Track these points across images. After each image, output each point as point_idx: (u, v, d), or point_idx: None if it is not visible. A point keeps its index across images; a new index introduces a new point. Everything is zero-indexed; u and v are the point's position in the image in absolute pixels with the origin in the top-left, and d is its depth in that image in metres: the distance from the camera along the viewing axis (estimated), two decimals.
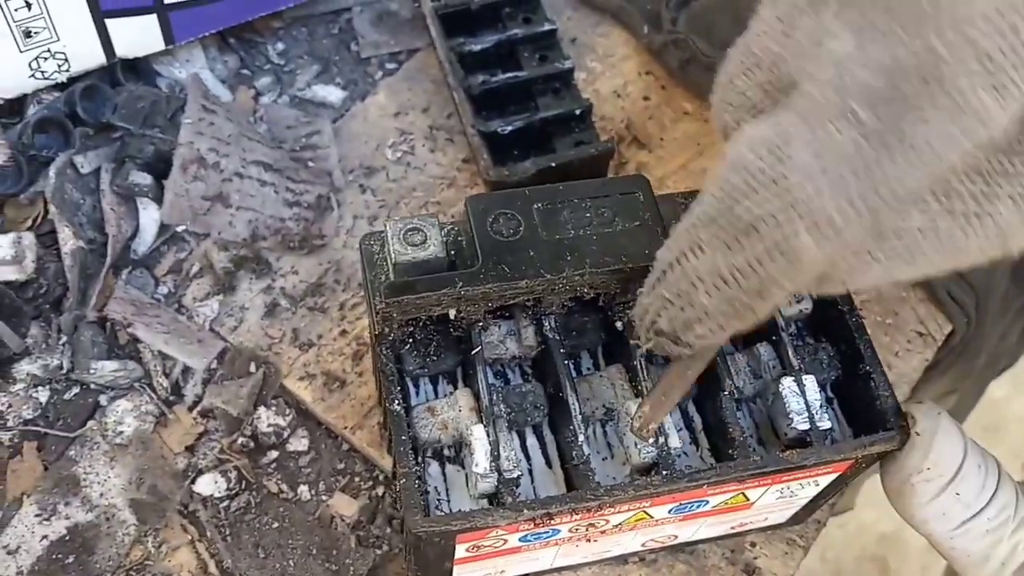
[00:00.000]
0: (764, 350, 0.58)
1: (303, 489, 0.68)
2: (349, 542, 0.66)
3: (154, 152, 0.75)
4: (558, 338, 0.55)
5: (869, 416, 0.57)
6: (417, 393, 0.58)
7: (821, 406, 0.55)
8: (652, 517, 0.56)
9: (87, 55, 0.76)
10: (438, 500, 0.55)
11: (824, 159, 0.39)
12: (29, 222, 0.73)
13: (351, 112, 0.83)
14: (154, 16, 0.76)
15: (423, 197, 0.79)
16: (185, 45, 0.81)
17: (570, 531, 0.55)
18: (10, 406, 0.68)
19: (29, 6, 0.70)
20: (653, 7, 0.87)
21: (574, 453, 0.53)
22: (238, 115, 0.78)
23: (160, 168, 0.75)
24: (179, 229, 0.75)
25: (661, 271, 0.45)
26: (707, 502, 0.56)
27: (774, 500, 0.60)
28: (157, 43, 0.78)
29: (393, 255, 0.51)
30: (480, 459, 0.51)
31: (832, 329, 0.59)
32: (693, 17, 0.84)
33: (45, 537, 0.65)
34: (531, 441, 0.57)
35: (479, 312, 0.53)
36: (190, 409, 0.70)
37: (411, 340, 0.56)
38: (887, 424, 0.55)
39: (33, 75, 0.74)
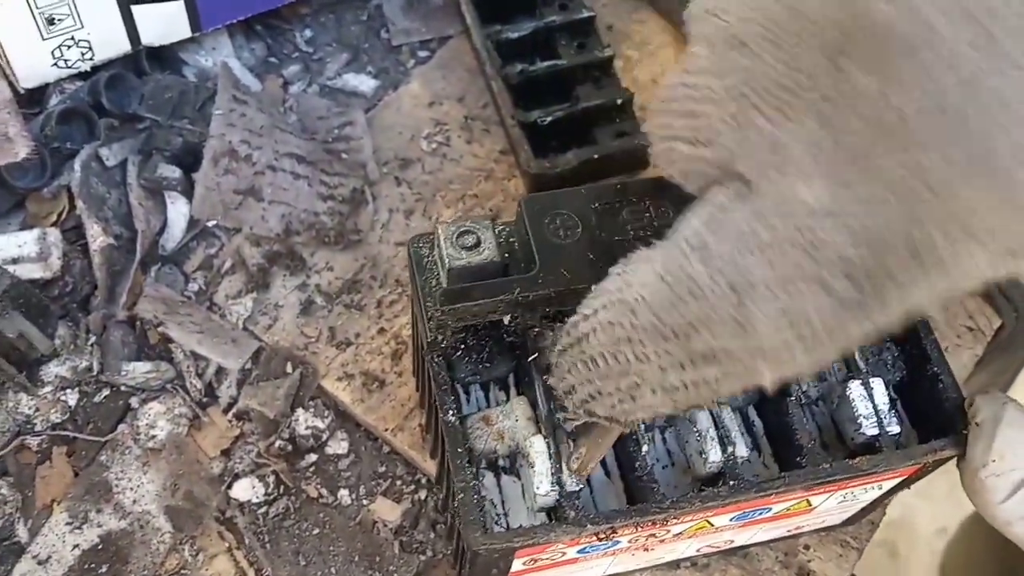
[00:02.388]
0: None
1: (343, 493, 0.65)
2: (392, 548, 0.64)
3: (182, 144, 0.72)
4: None
5: (936, 418, 0.54)
6: (468, 401, 0.55)
7: (889, 410, 0.53)
8: (713, 525, 0.54)
9: (112, 43, 0.73)
10: (495, 514, 0.52)
11: (792, 317, 0.37)
12: (53, 217, 0.71)
13: (384, 102, 0.80)
14: (181, 3, 0.73)
15: (460, 190, 0.76)
16: (211, 33, 0.78)
17: (630, 541, 0.52)
18: (38, 410, 0.65)
19: None
20: None
21: (637, 464, 0.50)
22: (269, 105, 0.75)
23: (189, 161, 0.72)
24: (209, 224, 0.72)
25: (591, 359, 0.42)
26: (770, 509, 0.54)
27: (836, 504, 0.57)
28: (183, 30, 0.76)
29: (447, 259, 0.49)
30: (541, 472, 0.49)
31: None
32: None
33: (76, 546, 0.63)
34: None
35: (536, 318, 0.51)
36: (225, 411, 0.67)
37: (463, 346, 0.53)
38: (955, 427, 0.53)
39: (56, 64, 0.72)
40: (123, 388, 0.67)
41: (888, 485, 0.56)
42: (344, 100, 0.80)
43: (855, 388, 0.52)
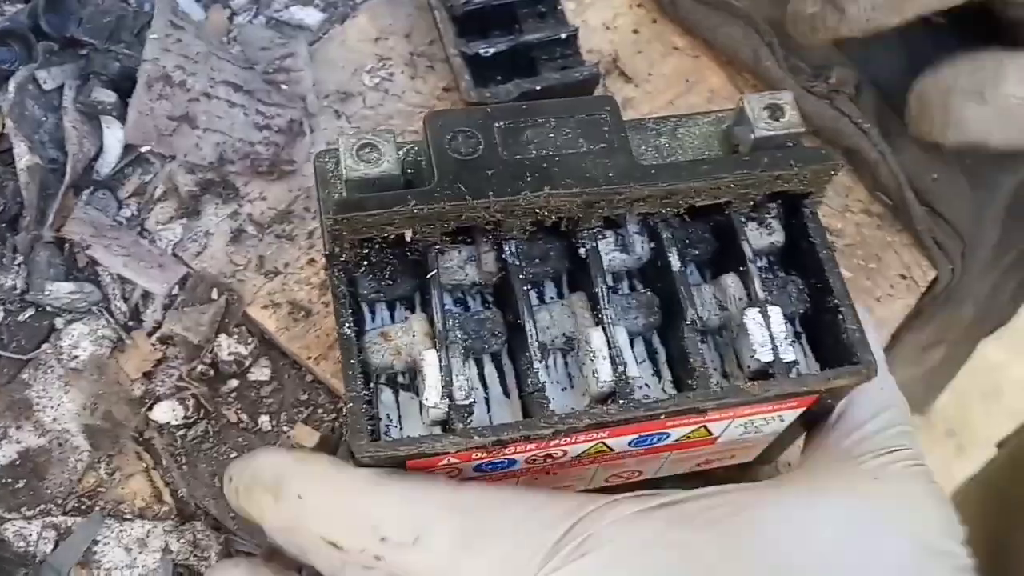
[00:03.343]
0: (731, 281, 0.55)
1: (264, 419, 0.65)
2: None
3: (120, 69, 0.72)
4: (519, 264, 0.53)
5: (836, 351, 0.54)
6: (373, 319, 0.55)
7: (786, 338, 0.53)
8: (612, 450, 0.54)
9: None
10: (388, 426, 0.53)
11: None
12: None
13: (329, 35, 0.80)
14: None
15: (401, 125, 0.76)
16: None
17: (527, 463, 0.53)
18: None
19: None
20: None
21: (529, 381, 0.50)
22: (209, 35, 0.75)
23: (126, 86, 0.72)
24: (144, 150, 0.72)
25: None
26: (668, 435, 0.54)
27: (739, 436, 0.57)
28: None
29: (345, 171, 0.49)
30: (431, 384, 0.49)
31: (803, 263, 0.57)
32: None
33: None
34: (489, 370, 0.55)
35: (435, 234, 0.50)
36: (149, 335, 0.67)
37: (366, 263, 0.53)
38: (853, 358, 0.53)
39: None
40: (48, 308, 0.67)
41: (789, 417, 0.56)
42: (289, 32, 0.79)
43: (752, 315, 0.52)
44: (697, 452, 0.59)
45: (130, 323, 0.67)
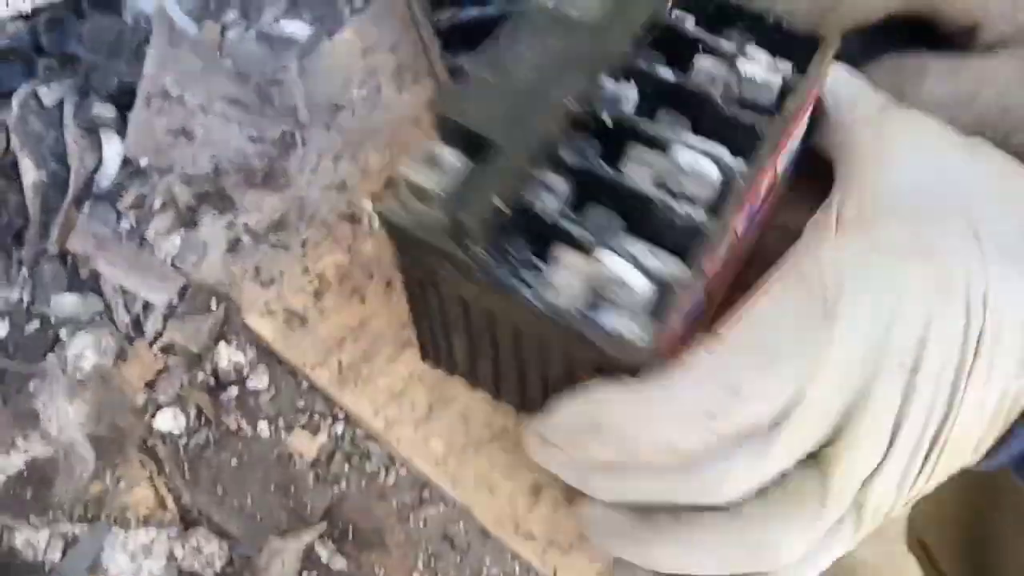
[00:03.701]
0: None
1: (263, 426, 0.68)
2: (307, 479, 0.66)
3: (118, 84, 0.74)
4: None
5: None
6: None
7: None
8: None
9: None
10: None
11: None
12: None
13: (318, 50, 0.82)
14: None
15: (389, 137, 0.78)
16: None
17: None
18: None
19: None
20: None
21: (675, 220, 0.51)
22: (204, 50, 0.77)
23: (125, 101, 0.74)
24: (142, 163, 0.74)
25: None
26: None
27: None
28: None
29: (435, 188, 0.49)
30: (632, 276, 0.49)
31: None
32: None
33: (2, 471, 0.65)
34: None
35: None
36: (151, 345, 0.70)
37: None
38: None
39: None
40: (53, 320, 0.69)
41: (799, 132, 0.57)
42: (280, 46, 0.82)
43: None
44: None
45: (132, 333, 0.70)
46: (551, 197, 0.53)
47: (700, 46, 0.52)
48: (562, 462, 0.46)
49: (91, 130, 0.74)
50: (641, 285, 0.46)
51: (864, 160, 0.47)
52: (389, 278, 0.67)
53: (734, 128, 0.52)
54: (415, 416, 0.63)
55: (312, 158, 0.74)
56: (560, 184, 0.52)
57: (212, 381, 0.68)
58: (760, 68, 0.52)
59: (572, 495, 0.50)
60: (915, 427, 0.40)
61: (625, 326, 0.49)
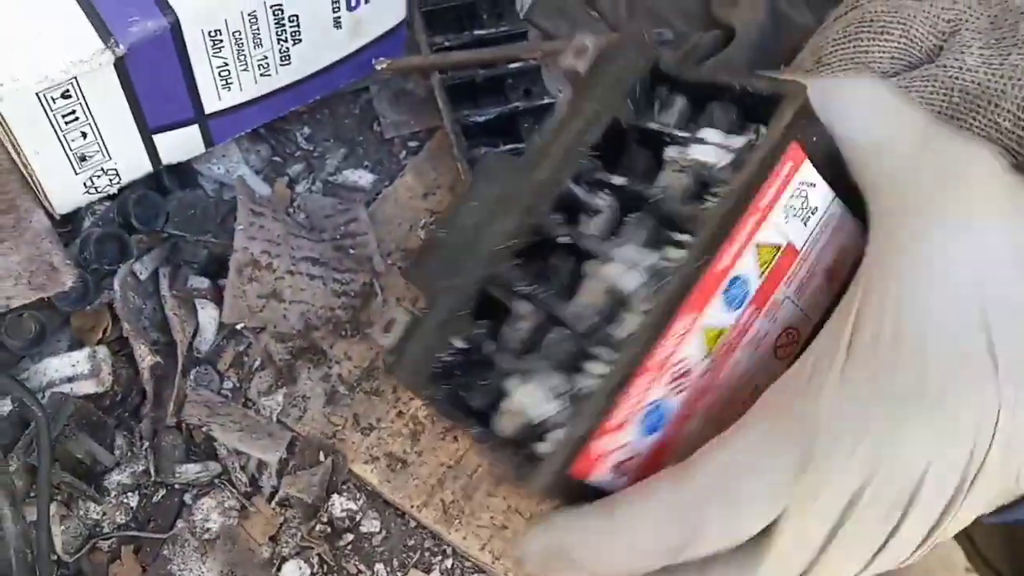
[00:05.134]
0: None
1: (379, 568, 0.74)
2: None
3: (207, 255, 0.80)
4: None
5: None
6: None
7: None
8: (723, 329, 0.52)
9: (136, 167, 0.81)
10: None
11: None
12: (98, 333, 0.79)
13: (382, 195, 0.88)
14: (196, 126, 0.81)
15: None
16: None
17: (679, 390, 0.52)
18: (105, 514, 0.74)
19: (85, 136, 0.75)
20: None
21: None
22: (281, 212, 0.83)
23: (214, 269, 0.80)
24: (238, 326, 0.80)
25: None
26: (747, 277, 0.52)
27: (807, 232, 0.54)
28: (198, 148, 0.83)
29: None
30: (530, 402, 0.53)
31: None
32: None
33: None
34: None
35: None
36: (268, 500, 0.76)
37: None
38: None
39: (87, 191, 0.80)
40: (177, 487, 0.75)
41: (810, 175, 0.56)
42: (346, 195, 0.88)
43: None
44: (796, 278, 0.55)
45: (250, 491, 0.76)
46: (520, 324, 0.55)
47: (665, 137, 0.54)
48: None
49: (186, 299, 0.80)
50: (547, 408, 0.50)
51: (892, 259, 0.43)
52: None
53: (680, 219, 0.52)
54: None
55: (391, 303, 0.81)
56: (525, 308, 0.54)
57: (329, 529, 0.74)
58: (710, 151, 0.53)
59: None
60: (901, 549, 0.43)
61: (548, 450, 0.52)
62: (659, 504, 0.45)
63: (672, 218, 0.51)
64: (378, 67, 0.86)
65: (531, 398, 0.50)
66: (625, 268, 0.51)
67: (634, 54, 0.54)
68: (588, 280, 0.53)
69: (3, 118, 0.71)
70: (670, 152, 0.54)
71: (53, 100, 0.71)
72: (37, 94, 0.70)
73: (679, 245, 0.51)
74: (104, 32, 0.72)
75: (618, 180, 0.54)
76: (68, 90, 0.72)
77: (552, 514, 0.48)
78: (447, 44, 0.90)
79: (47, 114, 0.72)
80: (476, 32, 0.91)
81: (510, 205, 0.54)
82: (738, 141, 0.51)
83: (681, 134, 0.53)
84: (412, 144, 0.91)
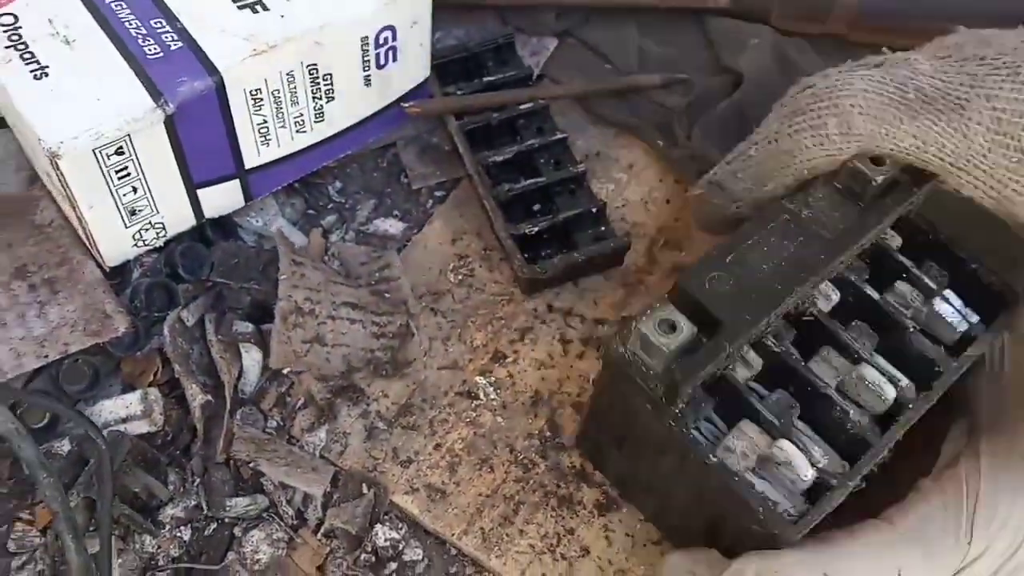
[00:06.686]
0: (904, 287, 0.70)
1: None
2: None
3: (251, 301, 0.85)
4: (787, 350, 0.66)
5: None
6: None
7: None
8: None
9: (181, 221, 0.86)
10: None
11: None
12: (149, 376, 0.83)
13: (412, 242, 0.93)
14: (236, 181, 0.86)
15: (488, 314, 0.89)
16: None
17: None
18: (159, 547, 0.77)
19: (135, 190, 0.80)
20: (663, 119, 0.98)
21: (848, 424, 0.63)
22: (319, 260, 0.88)
23: (258, 315, 0.85)
24: (284, 371, 0.84)
25: None
26: None
27: None
28: (239, 202, 0.88)
29: (663, 347, 0.60)
30: (800, 464, 0.61)
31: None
32: (706, 130, 0.94)
33: None
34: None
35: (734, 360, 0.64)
36: (315, 532, 0.79)
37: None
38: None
39: (136, 244, 0.84)
40: (227, 520, 0.79)
41: None
42: (378, 243, 0.92)
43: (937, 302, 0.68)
44: None
45: (297, 523, 0.79)
46: (744, 369, 0.65)
47: (904, 274, 0.67)
48: None
49: (231, 344, 0.84)
50: (807, 472, 0.59)
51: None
52: (510, 445, 0.78)
53: (917, 358, 0.66)
54: (557, 571, 0.74)
55: (425, 343, 0.85)
56: (756, 360, 0.66)
57: (373, 559, 0.78)
58: (952, 311, 0.66)
59: None
60: None
61: (781, 500, 0.62)
62: (867, 545, 0.57)
63: (907, 349, 0.66)
64: (408, 110, 0.91)
65: (790, 448, 0.60)
66: (879, 375, 0.64)
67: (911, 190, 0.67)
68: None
69: (62, 174, 0.75)
70: (901, 287, 0.66)
71: (107, 156, 0.76)
72: (93, 151, 0.75)
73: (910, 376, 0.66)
74: (155, 92, 0.77)
75: (873, 294, 0.68)
76: (121, 147, 0.76)
77: (765, 551, 0.59)
78: (459, 92, 0.95)
79: (102, 170, 0.77)
80: (485, 79, 0.98)
81: (807, 270, 0.63)
82: (974, 317, 0.67)
83: (929, 283, 0.66)
84: (438, 193, 0.96)
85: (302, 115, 0.87)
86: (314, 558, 0.78)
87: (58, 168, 0.75)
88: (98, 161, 0.76)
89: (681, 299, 0.63)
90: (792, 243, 0.66)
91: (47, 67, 0.77)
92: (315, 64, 0.84)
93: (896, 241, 0.71)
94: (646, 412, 0.64)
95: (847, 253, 0.65)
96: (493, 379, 0.85)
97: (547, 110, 0.97)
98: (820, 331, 0.67)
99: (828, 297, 0.68)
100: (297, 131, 0.88)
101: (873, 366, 0.65)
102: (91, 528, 0.75)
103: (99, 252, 0.83)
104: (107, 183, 0.78)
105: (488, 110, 0.95)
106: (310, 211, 0.95)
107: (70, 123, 0.75)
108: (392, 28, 0.87)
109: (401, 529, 0.79)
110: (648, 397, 0.63)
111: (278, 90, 0.83)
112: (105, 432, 0.78)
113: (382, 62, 0.89)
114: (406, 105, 0.92)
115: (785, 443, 0.62)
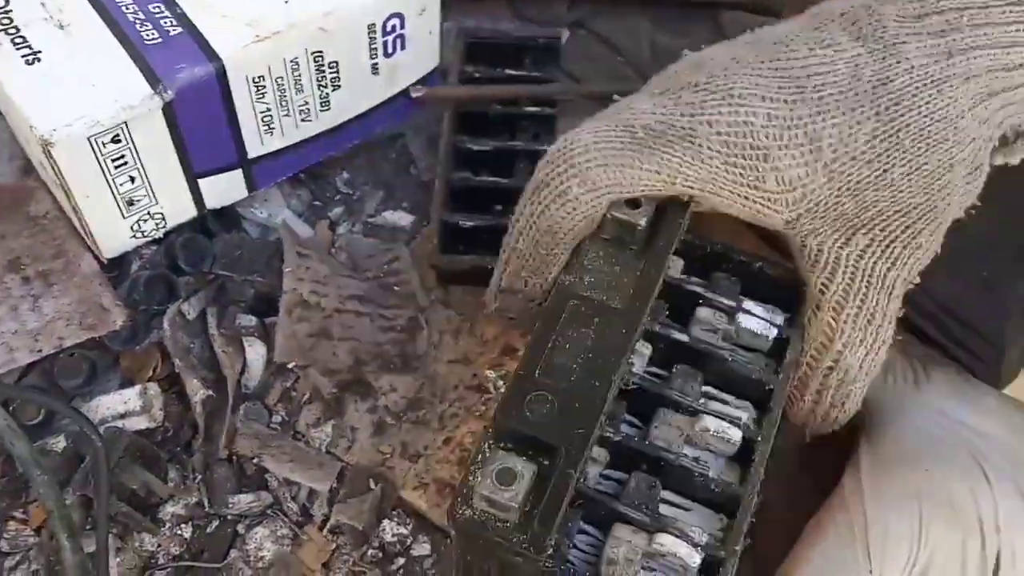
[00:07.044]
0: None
1: None
2: None
3: (254, 294, 0.82)
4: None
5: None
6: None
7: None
8: None
9: (181, 212, 0.83)
10: None
11: None
12: (148, 371, 0.81)
13: (421, 234, 0.90)
14: (239, 171, 0.84)
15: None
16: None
17: None
18: (160, 546, 0.75)
19: (133, 180, 0.77)
20: None
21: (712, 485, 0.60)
22: (326, 253, 0.85)
23: (261, 308, 0.82)
24: (289, 365, 0.82)
25: None
26: None
27: None
28: (241, 192, 0.86)
29: (510, 501, 0.56)
30: (686, 553, 0.58)
31: None
32: None
33: None
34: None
35: None
36: (320, 528, 0.77)
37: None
38: None
39: (134, 235, 0.82)
40: (229, 517, 0.76)
41: None
42: (387, 235, 0.90)
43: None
44: None
45: (302, 519, 0.77)
46: (593, 467, 0.62)
47: (699, 299, 0.65)
48: None
49: (234, 337, 0.82)
50: (693, 559, 0.56)
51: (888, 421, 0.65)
52: None
53: (744, 382, 0.65)
54: None
55: (435, 336, 0.83)
56: (601, 453, 0.63)
57: (380, 555, 0.75)
58: (757, 321, 0.64)
59: None
60: None
61: None
62: None
63: (731, 374, 0.63)
64: (415, 95, 0.89)
65: (669, 542, 0.57)
66: (720, 422, 0.62)
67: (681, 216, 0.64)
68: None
69: (56, 163, 0.73)
70: (701, 312, 0.64)
71: (103, 144, 0.74)
72: (88, 139, 0.73)
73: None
74: (153, 78, 0.75)
75: (681, 336, 0.64)
76: (118, 135, 0.74)
77: None
78: (476, 75, 0.92)
79: (97, 159, 0.75)
80: (508, 70, 0.94)
81: (611, 350, 0.60)
82: (779, 318, 0.64)
83: (727, 301, 0.63)
84: None
85: (307, 103, 0.84)
86: (320, 554, 0.76)
87: (52, 157, 0.73)
88: (94, 149, 0.74)
89: (508, 437, 0.59)
90: (589, 328, 0.62)
91: (40, 52, 0.75)
92: (320, 51, 0.81)
93: (679, 264, 0.67)
94: (518, 564, 0.60)
95: (645, 316, 0.62)
96: (504, 372, 0.83)
97: (553, 120, 0.91)
98: (649, 396, 0.64)
99: (641, 354, 0.65)
100: (302, 120, 0.85)
101: (710, 413, 0.62)
102: (87, 527, 0.72)
103: (96, 244, 0.81)
104: (103, 172, 0.76)
105: (497, 102, 0.92)
106: (316, 202, 0.92)
107: (64, 110, 0.73)
108: (400, 15, 0.85)
109: (409, 524, 0.77)
110: (514, 551, 0.59)
111: (282, 78, 0.81)
112: (103, 428, 0.75)
113: (390, 50, 0.87)
114: (413, 89, 0.90)
115: (663, 537, 0.59)
